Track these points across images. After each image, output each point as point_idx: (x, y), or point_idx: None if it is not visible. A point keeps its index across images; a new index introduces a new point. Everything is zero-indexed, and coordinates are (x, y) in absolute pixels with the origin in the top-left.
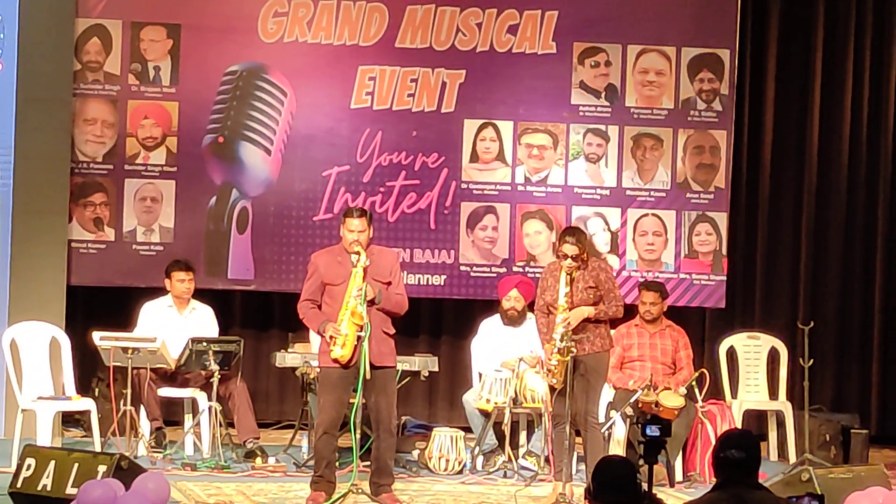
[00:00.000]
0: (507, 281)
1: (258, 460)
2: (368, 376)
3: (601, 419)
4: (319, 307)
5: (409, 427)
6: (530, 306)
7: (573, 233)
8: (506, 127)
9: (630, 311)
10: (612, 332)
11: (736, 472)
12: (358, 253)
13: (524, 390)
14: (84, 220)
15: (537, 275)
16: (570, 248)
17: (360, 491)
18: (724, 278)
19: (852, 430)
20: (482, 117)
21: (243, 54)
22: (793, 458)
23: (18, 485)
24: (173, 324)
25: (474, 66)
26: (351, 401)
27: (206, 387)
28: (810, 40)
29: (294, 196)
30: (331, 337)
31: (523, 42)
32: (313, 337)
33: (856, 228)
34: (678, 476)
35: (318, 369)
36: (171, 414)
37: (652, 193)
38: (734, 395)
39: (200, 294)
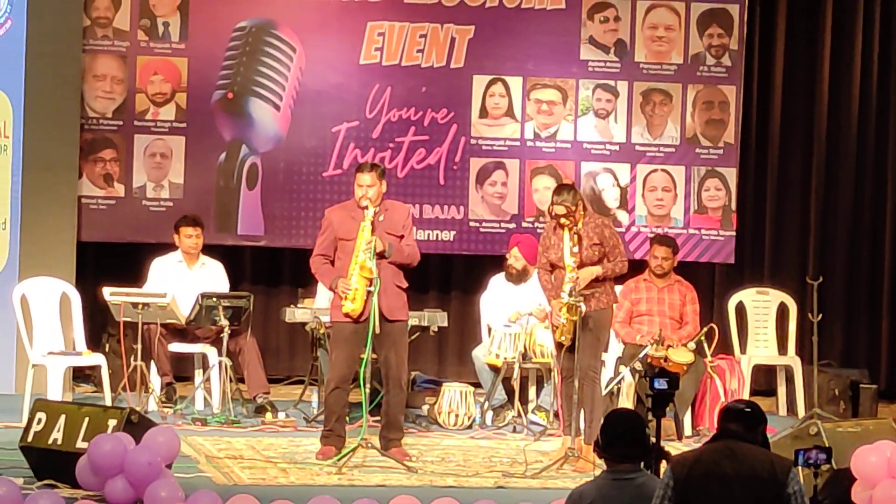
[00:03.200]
0: (513, 238)
1: (268, 415)
2: (378, 331)
3: (611, 374)
4: (332, 262)
5: (419, 382)
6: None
7: (561, 191)
8: (515, 82)
9: (640, 266)
10: (621, 287)
11: (734, 422)
12: (366, 207)
13: (533, 345)
14: (94, 176)
15: None
16: (559, 209)
17: (369, 445)
18: (734, 234)
19: (861, 385)
20: (491, 73)
21: (252, 10)
22: (801, 413)
23: (29, 439)
24: (183, 279)
25: (483, 22)
26: (361, 356)
27: (216, 342)
28: None
29: (303, 152)
30: (342, 293)
31: None
32: (320, 292)
33: (865, 183)
34: (687, 430)
35: (328, 324)
36: (182, 369)
37: (661, 149)
38: (743, 350)
39: (210, 250)
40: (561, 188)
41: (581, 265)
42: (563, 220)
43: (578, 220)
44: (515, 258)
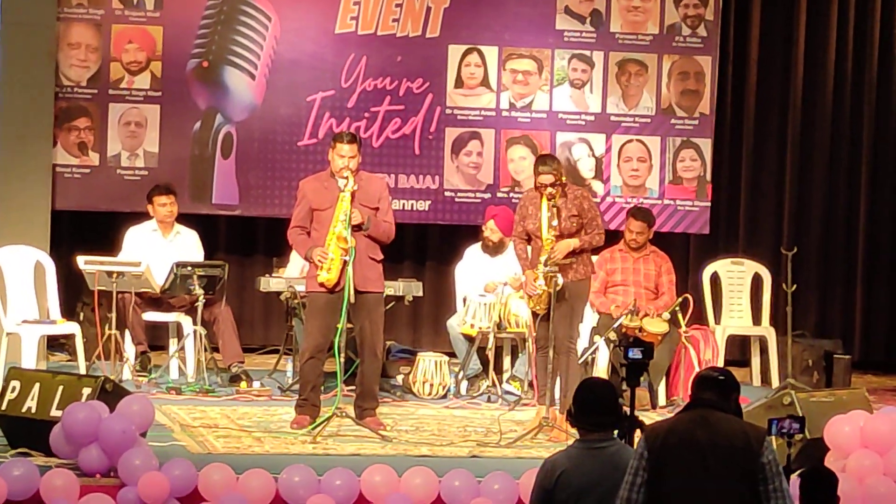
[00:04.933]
0: (489, 210)
1: (243, 384)
2: (353, 300)
3: (585, 344)
4: (309, 233)
5: (394, 352)
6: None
7: (546, 161)
8: (490, 52)
9: (615, 236)
10: (596, 257)
11: (707, 391)
12: (346, 178)
13: (508, 315)
14: (68, 145)
15: None
16: (546, 178)
17: (344, 414)
18: (709, 204)
19: (835, 356)
20: (467, 42)
21: None
22: (776, 383)
23: (3, 407)
24: (158, 248)
25: None
26: (337, 325)
27: (190, 311)
28: None
29: (278, 121)
30: (318, 261)
31: None
32: (291, 261)
33: (840, 154)
34: (661, 400)
35: (302, 294)
36: (156, 338)
37: (636, 119)
38: (717, 320)
39: (185, 219)
40: (546, 158)
41: (559, 237)
42: (549, 190)
43: (565, 186)
44: (492, 230)
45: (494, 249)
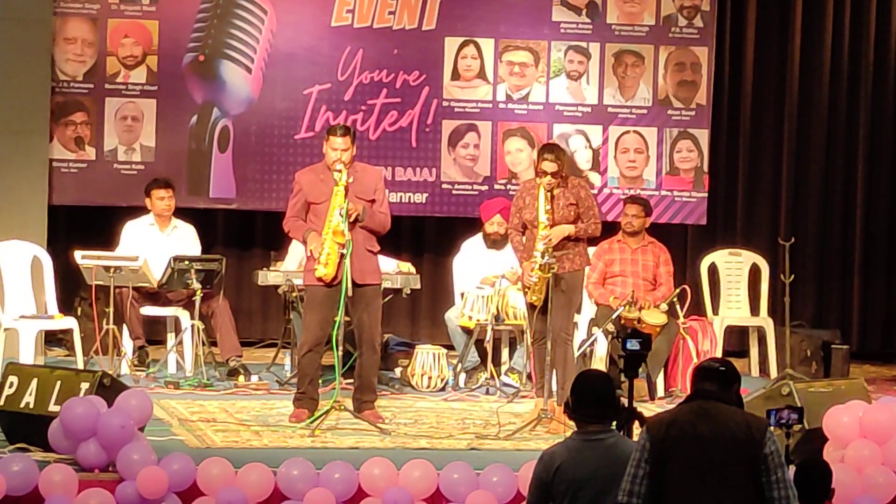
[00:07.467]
0: (491, 205)
1: (241, 378)
2: (350, 293)
3: (583, 336)
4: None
5: (392, 345)
6: None
7: (552, 149)
8: (487, 44)
9: (612, 228)
10: (594, 248)
11: (708, 382)
12: (340, 171)
13: (506, 307)
14: (65, 140)
15: None
16: (549, 165)
17: (342, 407)
18: (706, 195)
19: (833, 346)
20: (463, 35)
21: None
22: (774, 374)
23: (1, 402)
24: (155, 242)
25: None
26: (335, 318)
27: (188, 305)
28: None
29: (275, 115)
30: (313, 251)
31: None
32: (289, 255)
33: (837, 144)
34: (659, 392)
35: (300, 287)
36: (154, 333)
37: (633, 111)
38: (715, 311)
39: (182, 213)
40: (551, 146)
41: (555, 224)
42: (548, 178)
43: (566, 178)
44: (499, 224)
45: (501, 244)
